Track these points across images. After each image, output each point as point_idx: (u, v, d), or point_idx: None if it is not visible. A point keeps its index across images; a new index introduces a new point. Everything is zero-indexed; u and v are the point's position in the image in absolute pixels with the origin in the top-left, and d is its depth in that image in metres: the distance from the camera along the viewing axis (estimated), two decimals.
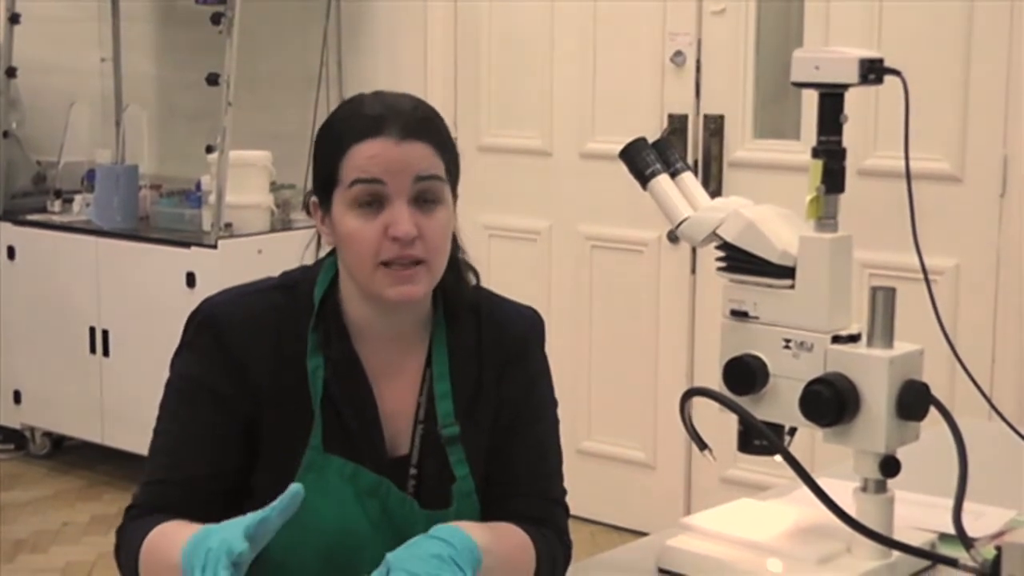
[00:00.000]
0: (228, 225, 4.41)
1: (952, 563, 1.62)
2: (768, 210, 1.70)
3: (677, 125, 4.17)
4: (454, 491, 1.70)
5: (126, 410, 4.58)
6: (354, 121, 1.64)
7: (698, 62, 4.14)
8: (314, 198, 1.70)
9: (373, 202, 1.62)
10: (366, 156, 1.62)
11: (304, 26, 4.98)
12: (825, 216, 1.66)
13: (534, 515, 1.72)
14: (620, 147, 1.78)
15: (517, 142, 4.56)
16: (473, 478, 1.71)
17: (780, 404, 1.66)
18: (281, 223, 4.66)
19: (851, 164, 1.72)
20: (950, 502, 1.66)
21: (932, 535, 1.77)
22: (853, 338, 1.63)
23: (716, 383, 1.69)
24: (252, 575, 1.44)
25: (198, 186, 4.61)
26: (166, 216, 4.68)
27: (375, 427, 1.69)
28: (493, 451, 1.73)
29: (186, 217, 4.60)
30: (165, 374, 1.72)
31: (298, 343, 1.68)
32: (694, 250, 4.14)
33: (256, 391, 1.66)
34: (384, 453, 1.70)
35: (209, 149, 4.53)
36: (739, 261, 1.68)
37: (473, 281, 1.78)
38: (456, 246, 1.74)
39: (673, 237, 4.08)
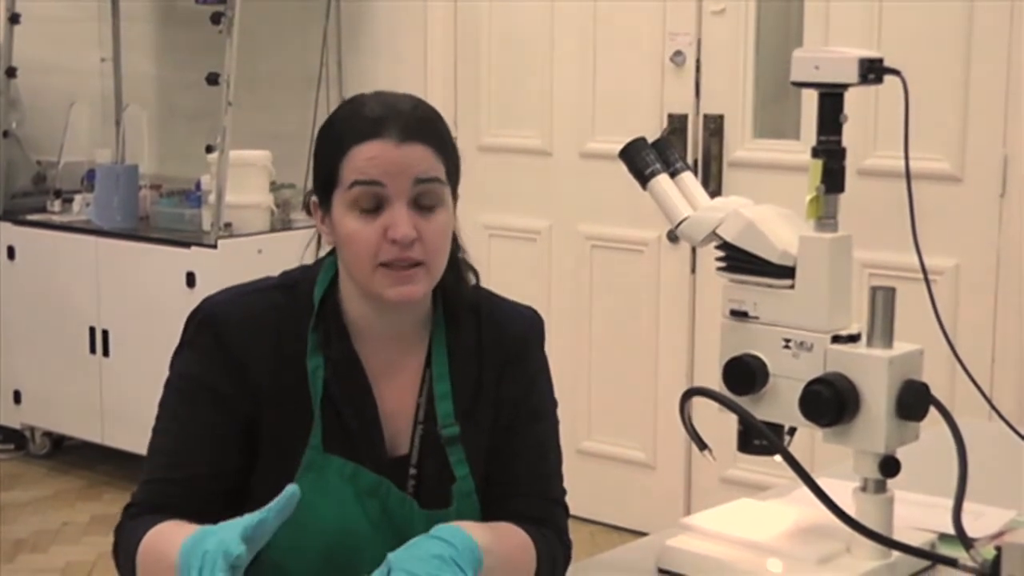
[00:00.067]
0: (228, 225, 4.41)
1: (952, 563, 1.62)
2: (768, 210, 1.70)
3: (677, 125, 4.17)
4: (454, 491, 1.70)
5: (126, 410, 4.58)
6: (354, 122, 1.64)
7: (698, 62, 4.14)
8: (314, 198, 1.70)
9: (373, 203, 1.62)
10: (366, 158, 1.61)
11: (304, 26, 4.98)
12: (825, 216, 1.66)
13: (534, 515, 1.72)
14: (620, 147, 1.78)
15: (517, 142, 4.55)
16: (473, 478, 1.71)
17: (780, 404, 1.66)
18: (281, 223, 4.65)
19: (851, 164, 1.72)
20: (950, 502, 1.66)
21: (932, 535, 1.76)
22: (853, 338, 1.63)
23: (716, 383, 1.69)
24: (251, 575, 1.45)
25: (198, 186, 4.60)
26: (166, 216, 4.67)
27: (375, 427, 1.69)
28: (493, 451, 1.73)
29: (186, 217, 4.59)
30: (165, 374, 1.72)
31: (298, 343, 1.68)
32: (694, 250, 4.13)
33: (256, 391, 1.66)
34: (384, 453, 1.70)
35: (209, 149, 4.52)
36: (739, 261, 1.68)
37: (473, 281, 1.78)
38: (456, 246, 1.74)
39: (673, 237, 4.07)
